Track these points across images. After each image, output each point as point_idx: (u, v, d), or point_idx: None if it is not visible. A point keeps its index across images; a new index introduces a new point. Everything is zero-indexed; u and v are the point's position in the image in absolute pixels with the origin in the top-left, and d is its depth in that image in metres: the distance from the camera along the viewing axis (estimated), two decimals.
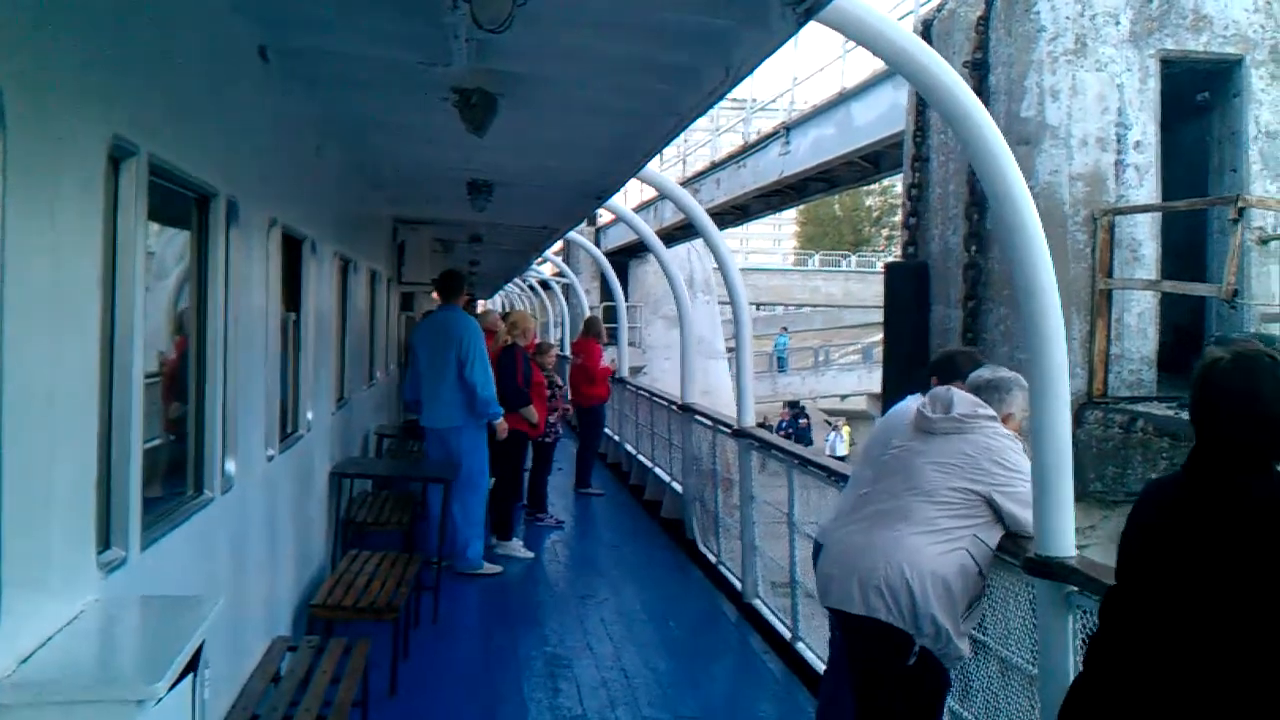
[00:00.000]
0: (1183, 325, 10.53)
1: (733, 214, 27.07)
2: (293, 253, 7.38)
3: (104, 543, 3.60)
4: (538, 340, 16.14)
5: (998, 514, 4.79)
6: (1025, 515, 4.72)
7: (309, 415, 7.77)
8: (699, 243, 32.18)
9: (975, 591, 4.78)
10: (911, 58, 4.68)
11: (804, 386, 54.40)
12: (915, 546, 4.71)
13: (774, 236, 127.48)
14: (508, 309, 32.27)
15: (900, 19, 13.90)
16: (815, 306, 67.65)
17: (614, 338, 21.53)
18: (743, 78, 5.19)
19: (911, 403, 5.61)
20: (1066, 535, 4.57)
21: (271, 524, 6.51)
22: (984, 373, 5.26)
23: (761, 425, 37.17)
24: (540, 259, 28.30)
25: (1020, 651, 5.06)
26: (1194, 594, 2.88)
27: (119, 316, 3.66)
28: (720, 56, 5.15)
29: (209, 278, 4.92)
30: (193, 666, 3.15)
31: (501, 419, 10.19)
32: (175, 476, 4.83)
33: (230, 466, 5.28)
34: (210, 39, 4.94)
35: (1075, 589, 4.42)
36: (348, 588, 7.26)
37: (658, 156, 32.93)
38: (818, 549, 5.77)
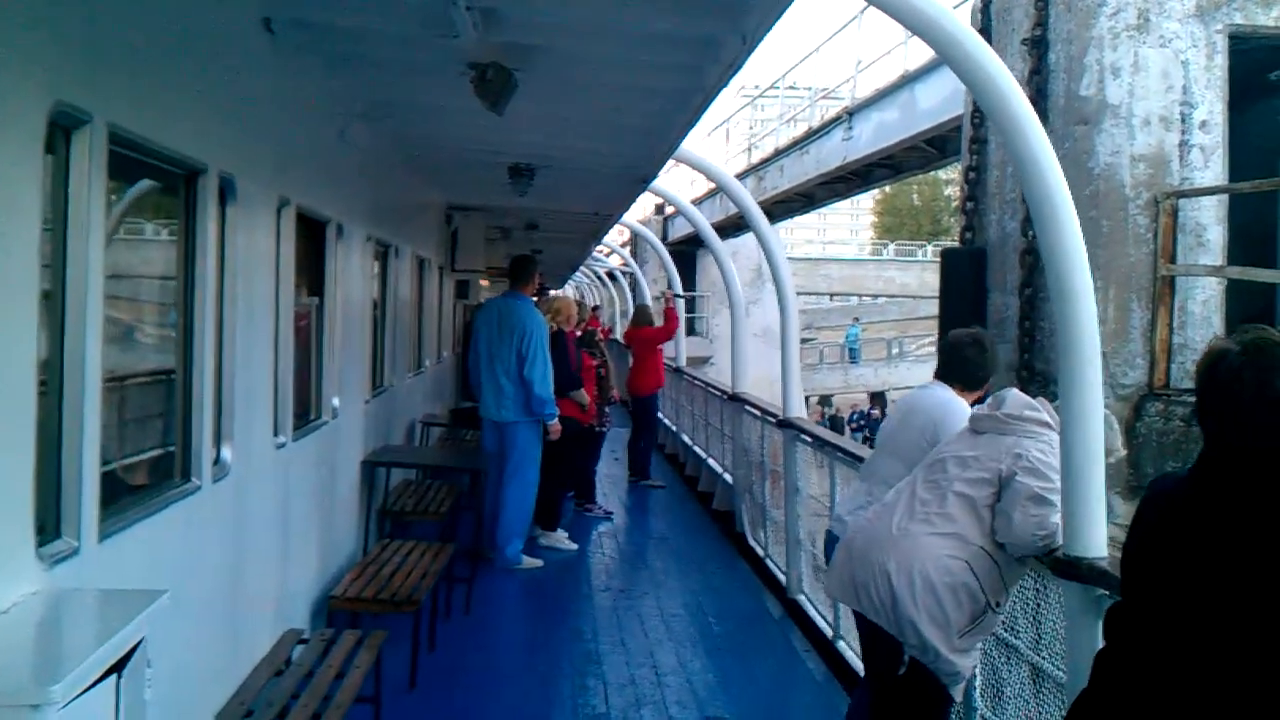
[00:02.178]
0: (1252, 314, 10.03)
1: (798, 201, 26.64)
2: (315, 236, 7.23)
3: (53, 532, 3.42)
4: (599, 324, 16.03)
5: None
6: (1023, 525, 4.33)
7: (335, 402, 7.60)
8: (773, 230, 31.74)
9: (974, 609, 4.37)
10: (930, 20, 4.34)
11: (876, 378, 53.83)
12: (910, 544, 4.40)
13: (851, 226, 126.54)
14: (579, 298, 32.21)
15: (959, 4, 13.45)
16: (890, 297, 66.90)
17: None
18: (758, 43, 5.00)
19: (940, 393, 5.34)
20: (1097, 535, 4.25)
21: (283, 513, 6.34)
22: None
23: (833, 418, 36.45)
24: (607, 250, 28.18)
25: (1052, 658, 4.75)
26: (1206, 611, 2.54)
27: (70, 296, 3.46)
28: (734, 22, 4.91)
29: (197, 256, 4.72)
30: (121, 665, 2.94)
31: (555, 420, 9.98)
32: (158, 464, 4.67)
33: (226, 454, 5.11)
34: (202, 7, 4.75)
35: (1105, 593, 4.09)
36: (372, 578, 7.10)
37: (723, 141, 32.62)
38: (831, 541, 5.51)
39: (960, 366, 5.37)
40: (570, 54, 5.98)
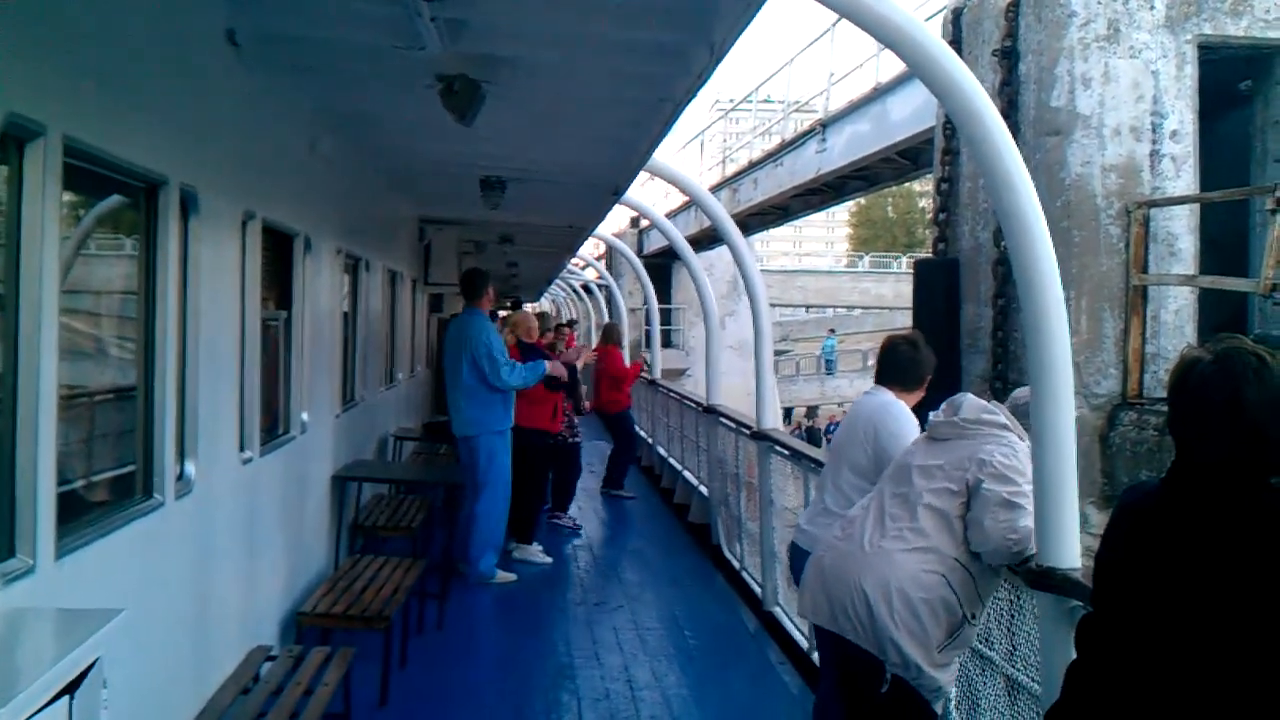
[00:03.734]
0: (1225, 323, 10.07)
1: (773, 213, 26.66)
2: (283, 249, 7.16)
3: (6, 551, 3.34)
4: (573, 338, 15.96)
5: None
6: (994, 531, 4.30)
7: (304, 416, 7.53)
8: (746, 242, 31.70)
9: (951, 623, 4.35)
10: (901, 32, 4.30)
11: (852, 389, 53.79)
12: (885, 562, 4.35)
13: (826, 239, 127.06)
14: (556, 310, 32.18)
15: (931, 17, 13.51)
16: (866, 308, 67.09)
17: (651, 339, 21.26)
18: (725, 53, 4.99)
19: (879, 396, 5.35)
20: (1070, 545, 4.21)
21: (250, 529, 6.26)
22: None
23: (810, 429, 36.33)
24: (582, 263, 28.12)
25: (1027, 670, 4.71)
26: (1177, 623, 2.51)
27: (23, 311, 3.39)
28: (702, 32, 4.89)
29: (158, 270, 4.65)
30: (75, 686, 2.87)
31: (547, 367, 10.00)
32: (120, 481, 4.59)
33: (190, 469, 5.03)
34: (164, 19, 4.69)
35: (1080, 603, 4.06)
36: (342, 594, 7.03)
37: (698, 155, 32.61)
38: (794, 551, 5.48)
39: (895, 367, 5.40)
40: (537, 65, 5.94)
